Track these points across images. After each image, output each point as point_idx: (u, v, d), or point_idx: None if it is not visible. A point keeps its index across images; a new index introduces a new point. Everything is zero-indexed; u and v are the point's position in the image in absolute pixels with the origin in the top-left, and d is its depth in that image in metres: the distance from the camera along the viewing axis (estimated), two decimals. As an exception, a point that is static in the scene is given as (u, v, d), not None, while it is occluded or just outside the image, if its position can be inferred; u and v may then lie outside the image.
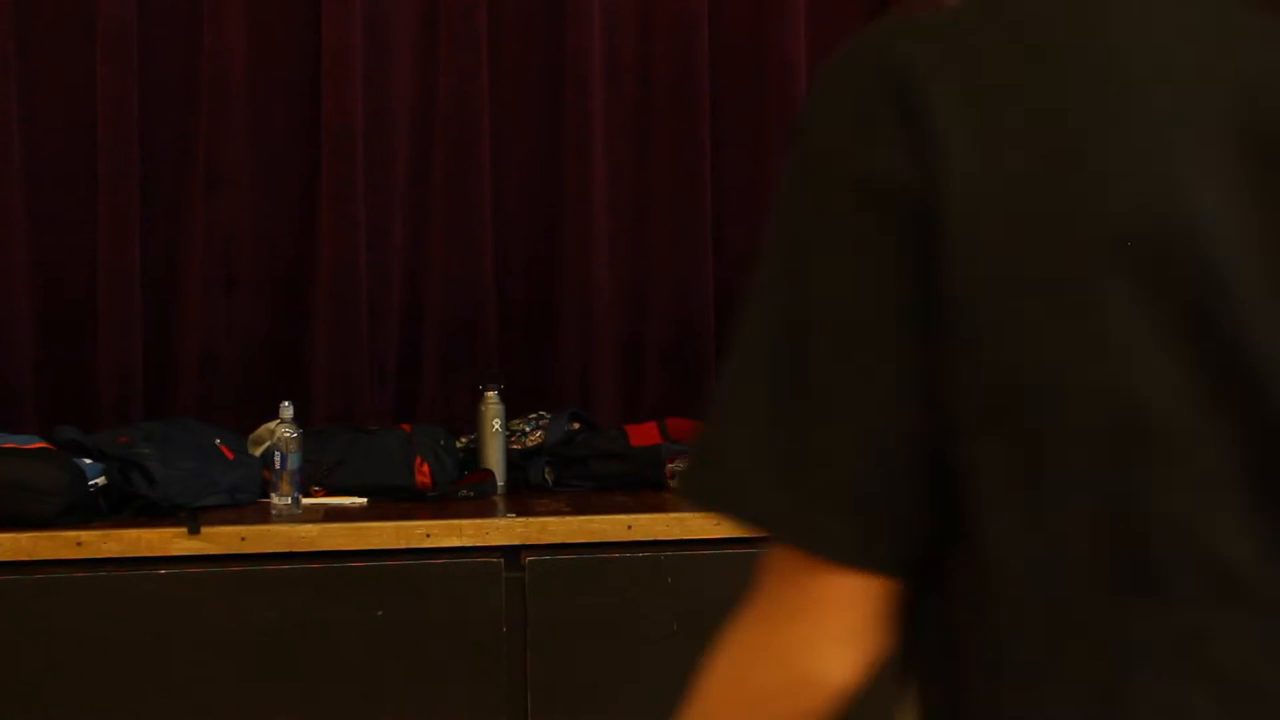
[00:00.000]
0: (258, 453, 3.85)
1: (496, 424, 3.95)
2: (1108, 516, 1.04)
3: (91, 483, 3.51)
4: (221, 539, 3.44)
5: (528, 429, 4.16)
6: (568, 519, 3.59)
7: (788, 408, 1.06)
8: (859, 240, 1.03)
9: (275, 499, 3.58)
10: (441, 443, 3.95)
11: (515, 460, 4.01)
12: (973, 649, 1.11)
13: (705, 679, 1.15)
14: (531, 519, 3.58)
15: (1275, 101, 1.01)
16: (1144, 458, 1.02)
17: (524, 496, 3.89)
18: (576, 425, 4.15)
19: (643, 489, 3.90)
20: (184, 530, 3.41)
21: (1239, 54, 1.04)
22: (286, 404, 3.64)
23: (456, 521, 3.55)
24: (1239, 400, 1.02)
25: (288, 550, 3.46)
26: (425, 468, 3.87)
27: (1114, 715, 1.05)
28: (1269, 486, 1.03)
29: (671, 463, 4.00)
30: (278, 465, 3.58)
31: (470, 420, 4.04)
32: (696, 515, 3.50)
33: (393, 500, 3.79)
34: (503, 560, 3.54)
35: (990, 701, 1.11)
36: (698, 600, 3.43)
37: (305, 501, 3.65)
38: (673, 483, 3.97)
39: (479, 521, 3.56)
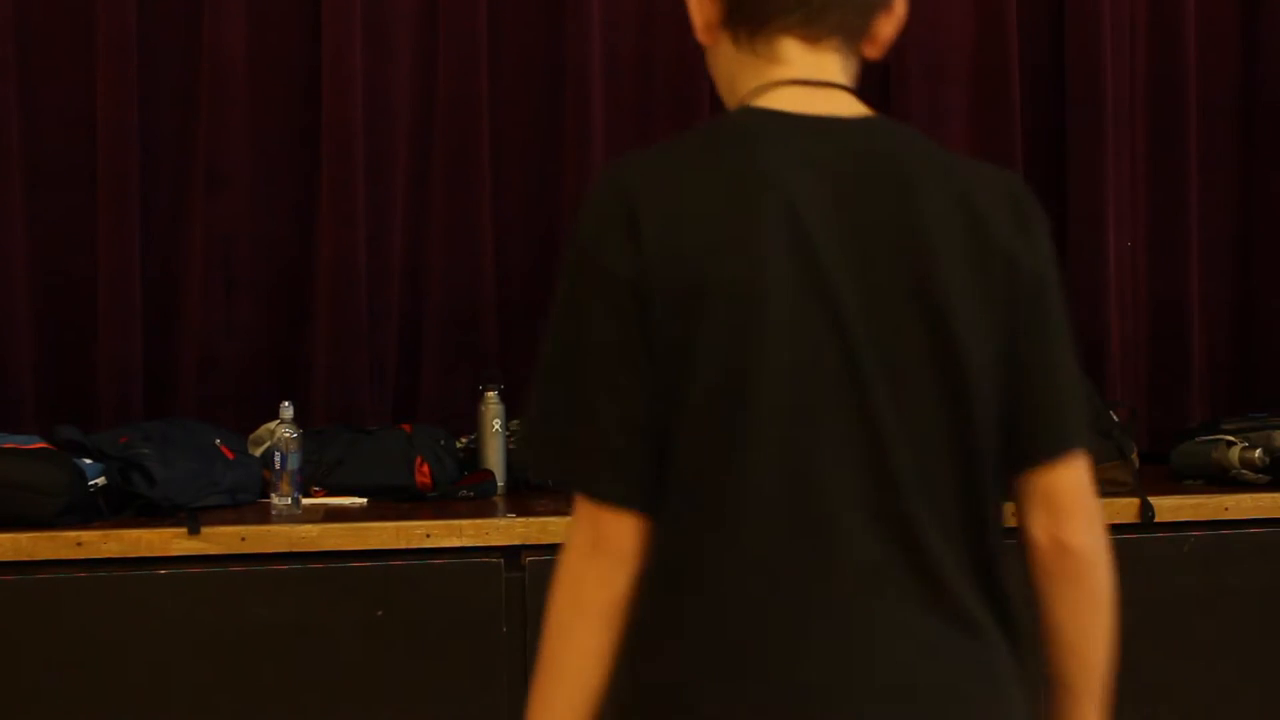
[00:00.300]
0: (258, 453, 3.85)
1: (496, 424, 3.95)
2: (769, 475, 1.60)
3: (91, 483, 3.51)
4: (221, 539, 3.44)
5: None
6: (568, 519, 3.59)
7: (569, 406, 1.65)
8: (605, 306, 1.62)
9: (275, 499, 3.58)
10: (441, 443, 3.95)
11: (515, 461, 4.01)
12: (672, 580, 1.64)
13: (552, 592, 1.71)
14: (531, 519, 3.58)
15: (820, 210, 1.62)
16: (810, 425, 1.59)
17: (524, 496, 3.89)
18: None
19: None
20: (184, 530, 3.41)
21: (831, 182, 1.64)
22: (286, 404, 3.63)
23: (456, 521, 3.55)
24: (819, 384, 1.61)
25: (288, 550, 3.46)
26: (425, 468, 3.87)
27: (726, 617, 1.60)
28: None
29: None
30: (278, 465, 3.58)
31: (470, 420, 4.05)
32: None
33: (393, 500, 3.79)
34: (503, 560, 3.54)
35: (663, 603, 1.64)
36: (697, 600, 3.43)
37: (305, 501, 3.65)
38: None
39: (479, 521, 3.55)
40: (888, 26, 1.79)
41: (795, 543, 1.59)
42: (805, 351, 1.59)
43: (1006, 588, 1.74)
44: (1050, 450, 1.72)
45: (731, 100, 1.75)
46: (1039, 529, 1.76)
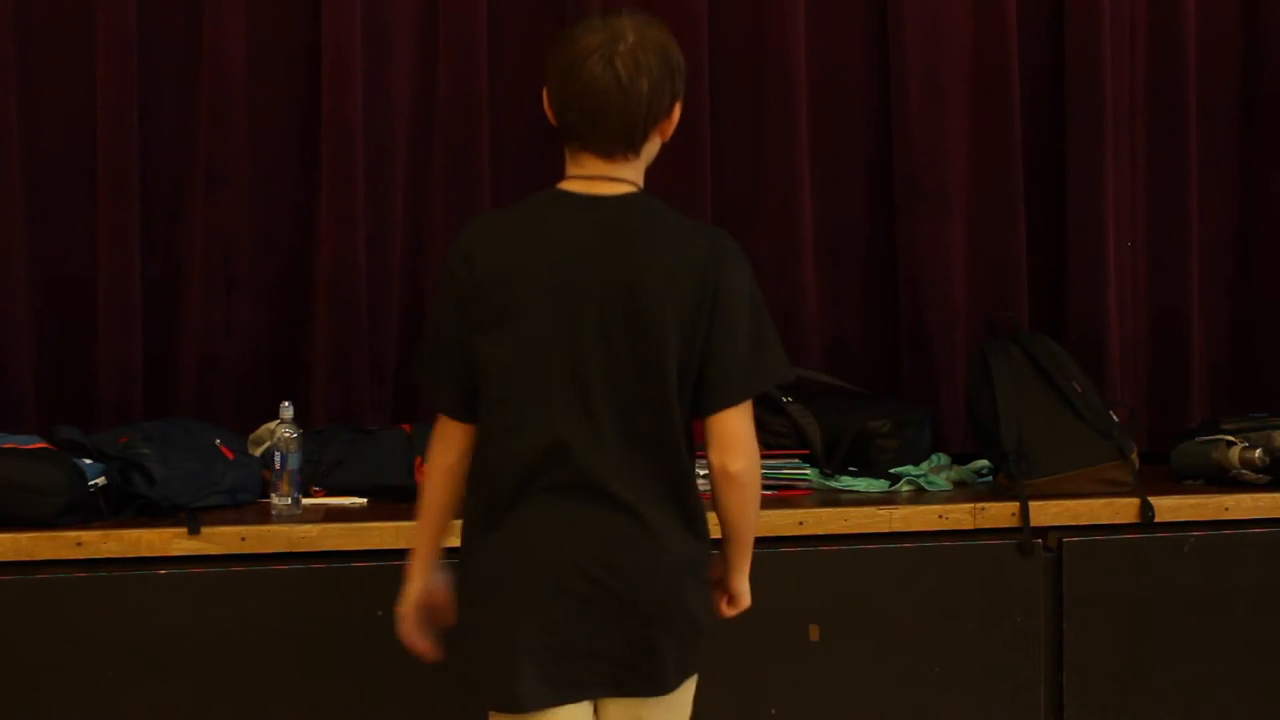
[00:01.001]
0: (258, 453, 3.85)
1: (496, 424, 3.95)
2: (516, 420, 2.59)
3: (91, 483, 3.51)
4: (221, 539, 3.44)
5: (527, 429, 4.15)
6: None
7: (432, 357, 2.68)
8: (451, 301, 2.62)
9: (275, 499, 3.58)
10: (441, 443, 3.94)
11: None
12: (477, 464, 2.68)
13: (426, 463, 2.78)
14: (531, 519, 3.58)
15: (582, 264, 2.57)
16: (541, 391, 2.56)
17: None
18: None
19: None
20: (184, 530, 3.42)
21: (583, 234, 2.58)
22: (286, 404, 3.63)
23: (456, 522, 3.54)
24: (578, 366, 2.56)
25: (288, 550, 3.46)
26: (425, 468, 3.87)
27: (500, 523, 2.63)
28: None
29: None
30: (278, 465, 3.58)
31: (470, 420, 4.04)
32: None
33: (393, 500, 3.79)
34: (503, 560, 3.54)
35: (475, 502, 2.71)
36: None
37: (305, 501, 3.65)
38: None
39: (479, 521, 3.55)
40: (668, 127, 2.69)
41: (530, 453, 2.57)
42: (550, 335, 2.55)
43: (692, 500, 2.62)
44: (714, 404, 2.58)
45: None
46: (712, 457, 2.61)
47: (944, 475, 4.03)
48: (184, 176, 4.24)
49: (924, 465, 4.07)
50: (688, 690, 2.68)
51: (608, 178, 2.62)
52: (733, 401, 2.59)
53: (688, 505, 2.61)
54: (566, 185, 2.63)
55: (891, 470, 4.02)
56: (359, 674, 3.48)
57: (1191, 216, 4.69)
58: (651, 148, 2.67)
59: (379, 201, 4.31)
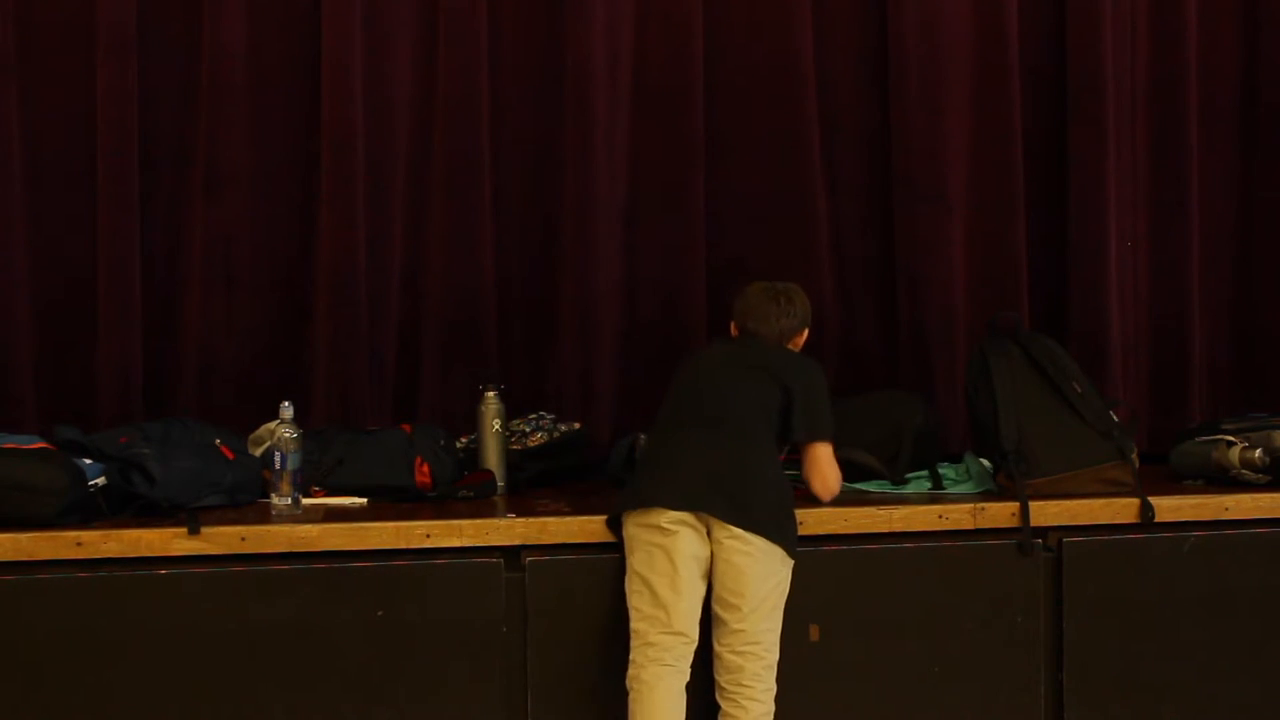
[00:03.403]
0: (258, 453, 3.85)
1: (496, 424, 3.95)
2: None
3: (91, 483, 3.51)
4: (221, 539, 3.44)
5: (528, 429, 4.16)
6: (568, 519, 3.60)
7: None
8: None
9: (275, 499, 3.58)
10: (441, 443, 3.95)
11: (515, 461, 4.02)
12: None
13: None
14: (531, 519, 3.58)
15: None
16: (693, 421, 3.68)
17: (524, 496, 3.90)
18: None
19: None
20: (184, 530, 3.42)
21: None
22: (286, 404, 3.63)
23: (456, 522, 3.55)
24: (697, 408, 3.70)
25: (288, 550, 3.46)
26: (425, 468, 3.87)
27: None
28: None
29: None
30: (278, 465, 3.58)
31: (470, 420, 4.05)
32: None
33: (393, 500, 3.79)
34: (503, 560, 3.54)
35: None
36: (698, 600, 3.44)
37: (305, 501, 3.65)
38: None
39: (479, 522, 3.56)
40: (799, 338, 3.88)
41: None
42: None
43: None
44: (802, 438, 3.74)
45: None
46: (805, 472, 3.73)
47: (978, 475, 4.04)
48: (184, 176, 4.24)
49: (960, 465, 4.13)
50: None
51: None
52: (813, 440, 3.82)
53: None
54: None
55: (941, 468, 4.09)
56: (359, 674, 3.48)
57: (1192, 216, 4.69)
58: None
59: (379, 202, 4.31)
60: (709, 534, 3.49)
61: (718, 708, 3.47)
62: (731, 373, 3.68)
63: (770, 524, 3.50)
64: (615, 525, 3.57)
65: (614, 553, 3.58)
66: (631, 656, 3.46)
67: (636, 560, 3.49)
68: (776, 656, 3.49)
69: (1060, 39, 4.62)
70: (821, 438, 3.69)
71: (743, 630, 3.46)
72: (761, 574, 3.47)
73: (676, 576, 3.46)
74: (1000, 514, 3.77)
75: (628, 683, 3.45)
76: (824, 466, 3.70)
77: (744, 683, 3.46)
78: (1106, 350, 4.55)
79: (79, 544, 3.38)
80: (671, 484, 3.52)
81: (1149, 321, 4.71)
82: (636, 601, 3.48)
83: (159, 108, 4.22)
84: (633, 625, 3.48)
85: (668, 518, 3.47)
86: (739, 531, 3.47)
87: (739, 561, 3.46)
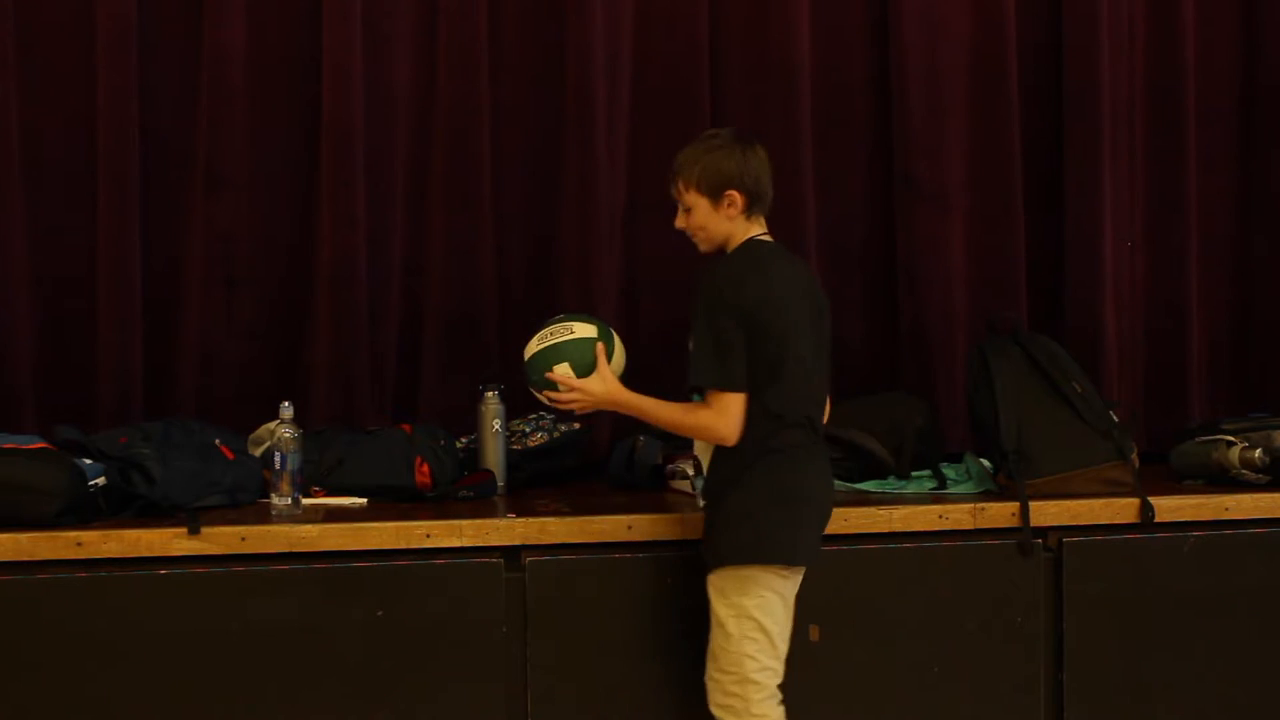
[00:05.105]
0: (258, 453, 3.85)
1: (496, 424, 3.95)
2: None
3: (91, 483, 3.51)
4: (221, 539, 3.44)
5: (528, 429, 4.16)
6: (568, 519, 3.60)
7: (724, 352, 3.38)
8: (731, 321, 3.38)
9: (275, 499, 3.58)
10: (441, 443, 3.95)
11: (515, 461, 4.02)
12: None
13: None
14: (531, 519, 3.58)
15: (815, 299, 3.50)
16: (808, 377, 3.41)
17: (524, 496, 3.90)
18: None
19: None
20: (184, 530, 3.41)
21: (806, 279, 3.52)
22: (286, 404, 3.63)
23: (456, 522, 3.55)
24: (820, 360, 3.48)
25: (288, 550, 3.46)
26: (425, 468, 3.87)
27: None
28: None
29: (671, 463, 4.02)
30: (278, 465, 3.58)
31: (470, 420, 4.05)
32: (695, 516, 3.51)
33: (393, 500, 3.79)
34: (503, 560, 3.54)
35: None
36: (698, 599, 3.43)
37: (305, 501, 3.65)
38: (672, 482, 3.99)
39: (479, 522, 3.56)
40: None
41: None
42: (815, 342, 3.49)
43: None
44: None
45: (722, 237, 3.47)
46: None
47: (978, 475, 4.04)
48: (184, 176, 4.24)
49: (960, 465, 4.13)
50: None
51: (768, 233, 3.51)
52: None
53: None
54: (766, 238, 3.47)
55: (943, 468, 4.09)
56: (359, 674, 3.48)
57: (1190, 215, 4.69)
58: None
59: (379, 202, 4.31)
60: None
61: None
62: (820, 340, 3.49)
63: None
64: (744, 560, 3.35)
65: (614, 553, 3.58)
66: (755, 710, 3.36)
67: (756, 606, 3.35)
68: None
69: (1058, 39, 4.62)
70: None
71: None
72: None
73: (788, 626, 3.40)
74: (1000, 514, 3.77)
75: None
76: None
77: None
78: (1103, 349, 4.56)
79: (79, 544, 3.38)
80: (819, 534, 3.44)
81: (1147, 321, 4.71)
82: (753, 650, 3.36)
83: (159, 108, 4.22)
84: (750, 675, 3.35)
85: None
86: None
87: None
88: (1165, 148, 4.69)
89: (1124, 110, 4.64)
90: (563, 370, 3.45)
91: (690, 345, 3.41)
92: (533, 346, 3.52)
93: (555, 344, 3.49)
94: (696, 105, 4.43)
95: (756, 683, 3.36)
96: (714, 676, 3.40)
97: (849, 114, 4.58)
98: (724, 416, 3.34)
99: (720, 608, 3.37)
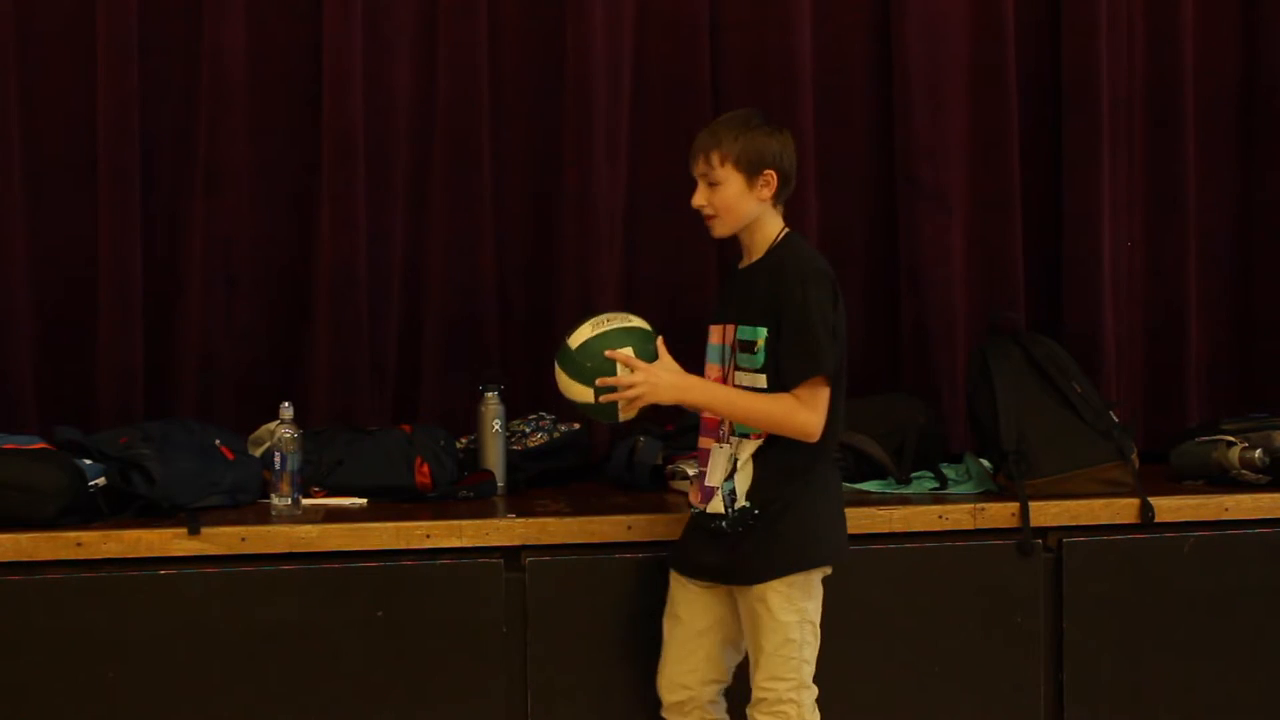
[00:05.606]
0: (258, 453, 3.85)
1: (496, 424, 3.95)
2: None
3: (91, 483, 3.51)
4: (221, 539, 3.44)
5: (528, 429, 4.16)
6: (567, 519, 3.60)
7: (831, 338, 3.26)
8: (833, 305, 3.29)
9: (275, 499, 3.58)
10: (441, 443, 3.95)
11: (515, 461, 4.02)
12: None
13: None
14: (531, 519, 3.58)
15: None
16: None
17: (524, 497, 3.90)
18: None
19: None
20: (184, 530, 3.42)
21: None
22: (286, 404, 3.63)
23: (456, 522, 3.55)
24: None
25: (288, 551, 3.46)
26: (425, 468, 3.87)
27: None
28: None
29: (672, 463, 4.01)
30: (278, 465, 3.58)
31: (470, 420, 4.05)
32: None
33: (393, 500, 3.79)
34: (503, 560, 3.54)
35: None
36: (698, 600, 3.44)
37: (305, 502, 3.65)
38: (672, 482, 3.98)
39: (479, 522, 3.56)
40: None
41: None
42: None
43: None
44: None
45: (747, 218, 3.35)
46: None
47: (978, 475, 4.04)
48: (184, 176, 4.24)
49: (961, 466, 4.13)
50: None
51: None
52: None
53: None
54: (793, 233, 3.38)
55: (943, 468, 4.09)
56: (359, 674, 3.48)
57: (1189, 215, 4.69)
58: None
59: (379, 202, 4.31)
60: None
61: None
62: None
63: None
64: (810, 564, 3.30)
65: (614, 553, 3.58)
66: (809, 716, 3.31)
67: (815, 609, 3.32)
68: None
69: (1057, 39, 4.62)
70: None
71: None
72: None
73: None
74: (1000, 514, 3.77)
75: None
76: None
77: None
78: (1102, 349, 4.55)
79: (79, 544, 3.38)
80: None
81: (1146, 321, 4.71)
82: (809, 654, 3.31)
83: (159, 108, 4.22)
84: (806, 680, 3.29)
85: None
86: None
87: None
88: (1164, 148, 4.69)
89: (1122, 110, 4.64)
90: (625, 354, 3.25)
91: (758, 341, 3.24)
92: (585, 332, 3.29)
93: (616, 328, 3.30)
94: (697, 105, 4.42)
95: (810, 686, 3.32)
96: (764, 686, 3.28)
97: (850, 114, 4.58)
98: (816, 408, 3.20)
99: (783, 614, 3.26)
